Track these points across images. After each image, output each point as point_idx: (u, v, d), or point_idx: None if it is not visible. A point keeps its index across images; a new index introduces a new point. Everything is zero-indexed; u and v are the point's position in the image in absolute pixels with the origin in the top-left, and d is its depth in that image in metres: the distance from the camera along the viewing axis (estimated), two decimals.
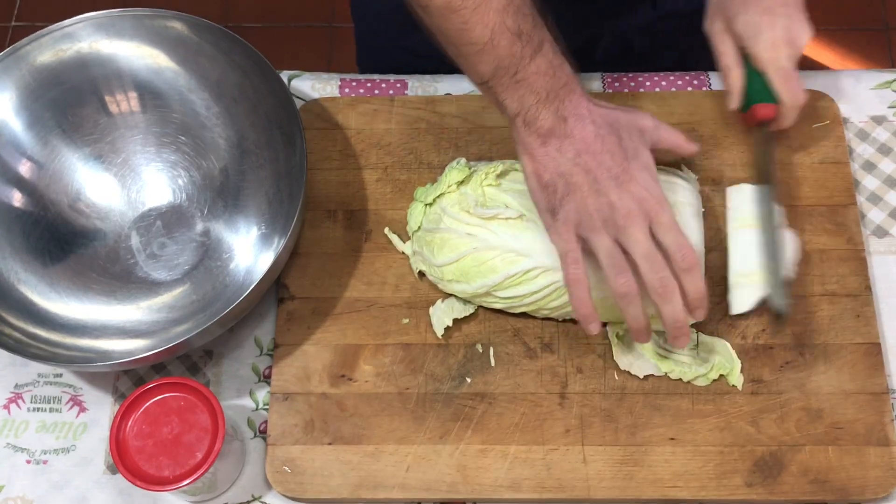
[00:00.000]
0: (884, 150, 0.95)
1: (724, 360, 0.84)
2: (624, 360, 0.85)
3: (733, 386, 0.84)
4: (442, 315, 0.87)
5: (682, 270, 0.76)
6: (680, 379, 0.84)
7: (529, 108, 0.76)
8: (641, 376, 0.85)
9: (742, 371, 0.84)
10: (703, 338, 0.85)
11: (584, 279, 0.77)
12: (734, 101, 0.89)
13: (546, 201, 0.78)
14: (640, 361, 0.85)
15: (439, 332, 0.86)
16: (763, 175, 0.88)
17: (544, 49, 0.75)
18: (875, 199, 0.93)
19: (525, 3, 0.75)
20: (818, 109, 0.95)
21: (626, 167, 0.76)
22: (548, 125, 0.76)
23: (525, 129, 0.77)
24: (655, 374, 0.85)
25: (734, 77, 0.88)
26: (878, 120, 0.96)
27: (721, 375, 0.84)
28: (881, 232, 0.92)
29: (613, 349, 0.85)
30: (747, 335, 0.86)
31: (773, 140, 0.89)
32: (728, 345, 0.85)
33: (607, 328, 0.86)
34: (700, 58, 0.94)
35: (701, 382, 0.84)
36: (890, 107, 0.97)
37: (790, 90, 0.86)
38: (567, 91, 0.76)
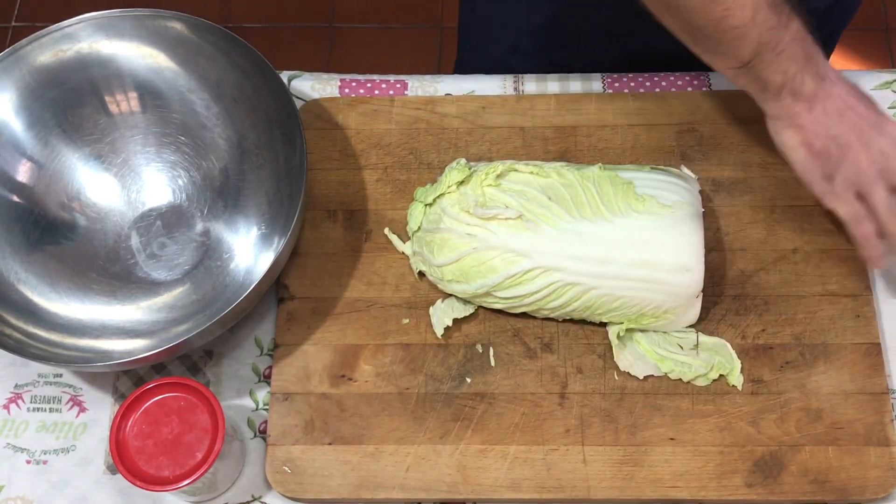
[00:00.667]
0: None
1: (724, 361, 0.84)
2: (624, 360, 0.85)
3: (733, 386, 0.84)
4: (442, 315, 0.87)
5: None
6: (680, 379, 0.84)
7: (794, 77, 0.78)
8: (641, 377, 0.85)
9: (742, 371, 0.84)
10: (703, 338, 0.85)
11: (876, 236, 0.80)
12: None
13: (821, 168, 0.80)
14: (640, 362, 0.85)
15: (439, 331, 0.86)
16: None
17: (791, 16, 0.77)
18: None
19: None
20: None
21: (878, 116, 0.79)
22: (810, 89, 0.78)
23: (792, 99, 0.79)
24: (655, 375, 0.85)
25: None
26: None
27: (721, 375, 0.84)
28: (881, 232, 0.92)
29: (613, 350, 0.85)
30: (747, 335, 0.86)
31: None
32: (728, 345, 0.85)
33: (608, 328, 0.86)
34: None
35: (701, 382, 0.84)
36: (890, 107, 0.97)
37: None
38: (816, 52, 0.79)
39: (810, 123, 0.79)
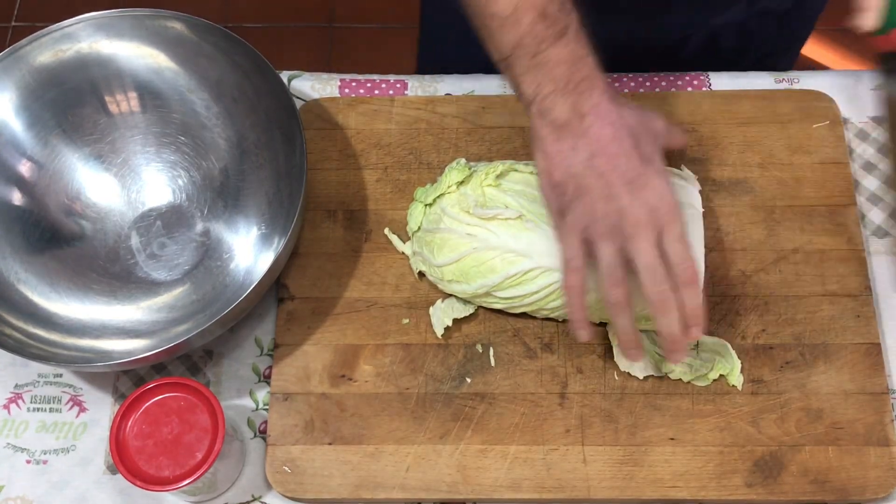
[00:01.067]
0: (884, 150, 0.95)
1: (724, 361, 0.84)
2: (624, 360, 0.85)
3: (733, 386, 0.84)
4: (442, 315, 0.87)
5: (682, 284, 0.74)
6: (680, 379, 0.84)
7: (546, 96, 0.74)
8: (641, 377, 0.85)
9: (742, 371, 0.84)
10: (703, 338, 0.85)
11: (581, 288, 0.76)
12: (869, 19, 0.78)
13: (556, 201, 0.76)
14: (640, 362, 0.85)
15: (439, 331, 0.86)
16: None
17: (568, 35, 0.73)
18: (875, 199, 0.93)
19: None
20: (818, 110, 0.95)
21: (641, 172, 0.73)
22: (563, 118, 0.74)
23: (539, 118, 0.75)
24: (655, 375, 0.85)
25: (869, 2, 0.78)
26: (879, 120, 0.96)
27: (721, 376, 0.84)
28: (881, 232, 0.92)
29: (614, 350, 0.85)
30: (747, 335, 0.86)
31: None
32: (728, 345, 0.85)
33: (608, 328, 0.86)
34: (783, 59, 0.91)
35: (701, 383, 0.84)
36: None
37: None
38: (588, 85, 0.74)
39: (555, 154, 0.74)
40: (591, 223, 0.74)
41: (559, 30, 0.73)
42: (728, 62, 1.02)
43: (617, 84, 0.99)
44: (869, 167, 0.95)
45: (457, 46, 0.98)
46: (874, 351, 0.85)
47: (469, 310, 0.87)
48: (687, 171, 0.89)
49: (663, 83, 0.98)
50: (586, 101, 0.73)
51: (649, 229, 0.73)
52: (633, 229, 0.72)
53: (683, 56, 1.06)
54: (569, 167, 0.74)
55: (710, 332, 0.86)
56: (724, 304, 0.87)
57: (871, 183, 0.94)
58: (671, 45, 1.04)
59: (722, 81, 0.99)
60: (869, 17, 0.76)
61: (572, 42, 0.73)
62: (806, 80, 0.98)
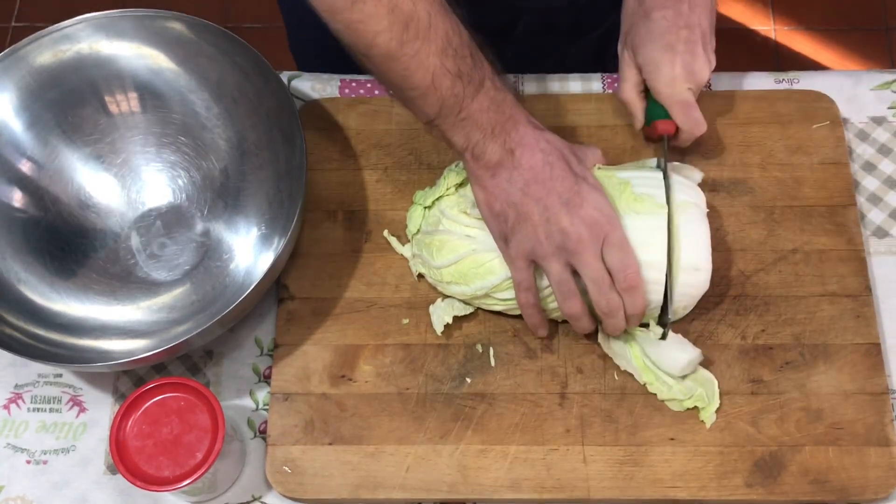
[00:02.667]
0: (884, 150, 0.95)
1: (706, 395, 0.83)
2: (605, 343, 0.85)
3: (702, 421, 0.83)
4: (442, 313, 0.87)
5: (623, 290, 0.79)
6: (655, 395, 0.84)
7: (476, 144, 0.78)
8: (622, 368, 0.84)
9: (718, 411, 0.83)
10: (699, 369, 0.84)
11: (536, 304, 0.82)
12: (637, 124, 0.91)
13: (498, 230, 0.80)
14: (623, 360, 0.85)
15: (439, 329, 0.86)
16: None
17: (486, 86, 0.77)
18: (875, 199, 0.93)
19: (463, 44, 0.76)
20: (818, 110, 0.95)
21: (576, 190, 0.78)
22: (496, 158, 0.78)
23: (474, 162, 0.79)
24: (635, 378, 0.84)
25: (635, 107, 0.90)
26: (878, 121, 0.96)
27: (695, 407, 0.84)
28: (881, 233, 0.92)
29: (599, 334, 0.85)
30: (747, 335, 0.86)
31: (668, 151, 0.89)
32: (716, 383, 0.84)
33: (598, 333, 0.86)
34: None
35: (674, 407, 0.84)
36: (890, 107, 0.97)
37: (689, 121, 0.87)
38: (512, 124, 0.78)
39: (493, 187, 0.79)
40: (535, 246, 0.79)
41: (476, 84, 0.77)
42: (565, 38, 1.03)
43: (616, 84, 0.99)
44: (869, 167, 0.95)
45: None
46: (874, 351, 0.85)
47: (469, 308, 0.87)
48: (692, 170, 0.89)
49: None
50: (513, 137, 0.78)
51: (591, 243, 0.78)
52: (577, 246, 0.78)
53: (516, 35, 1.08)
54: (508, 197, 0.79)
55: (709, 333, 0.86)
56: (723, 305, 0.87)
57: (871, 183, 0.94)
58: (503, 24, 1.07)
59: (722, 81, 0.99)
60: (637, 119, 0.91)
61: (491, 90, 0.78)
62: (806, 81, 0.98)
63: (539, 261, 0.79)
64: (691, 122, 0.87)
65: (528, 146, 0.78)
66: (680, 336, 0.84)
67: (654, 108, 0.89)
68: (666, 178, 0.83)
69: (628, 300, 0.79)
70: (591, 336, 0.86)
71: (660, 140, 0.90)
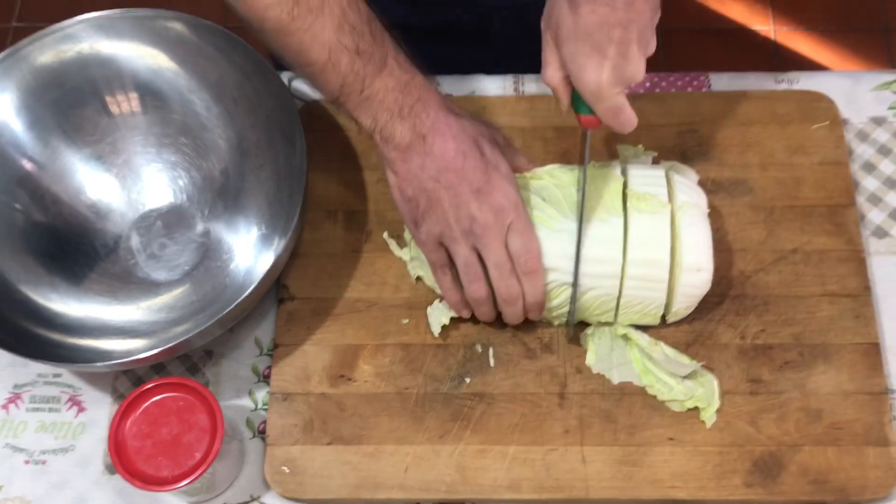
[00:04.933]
0: (884, 151, 0.95)
1: (706, 395, 0.83)
2: (598, 364, 0.85)
3: (701, 422, 0.83)
4: (439, 315, 0.87)
5: (523, 273, 0.80)
6: (655, 396, 0.84)
7: (384, 125, 0.78)
8: (615, 382, 0.84)
9: (718, 411, 0.83)
10: (699, 370, 0.84)
11: (453, 284, 0.83)
12: (564, 106, 0.81)
13: (410, 214, 0.81)
14: (625, 367, 0.85)
15: (436, 331, 0.86)
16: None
17: (389, 65, 0.77)
18: (875, 199, 0.93)
19: (362, 21, 0.76)
20: (818, 110, 0.95)
21: (487, 179, 0.79)
22: (406, 140, 0.78)
23: (384, 144, 0.79)
24: (634, 384, 0.84)
25: (560, 93, 0.80)
26: (878, 121, 0.96)
27: (696, 407, 0.84)
28: (881, 233, 0.92)
29: (588, 355, 0.85)
30: (747, 335, 0.86)
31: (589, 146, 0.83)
32: (716, 383, 0.84)
33: (583, 335, 0.86)
34: None
35: (674, 408, 0.84)
36: (890, 108, 0.97)
37: (618, 124, 0.79)
38: (422, 106, 0.78)
39: (405, 173, 0.79)
40: (444, 230, 0.80)
41: (378, 62, 0.77)
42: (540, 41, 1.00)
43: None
44: (869, 167, 0.95)
45: None
46: (873, 351, 0.85)
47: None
48: (687, 171, 0.89)
49: (663, 83, 0.99)
50: (424, 121, 0.78)
51: (497, 229, 0.79)
52: (483, 230, 0.78)
53: (491, 37, 1.07)
54: (420, 183, 0.79)
55: (709, 333, 0.86)
56: (723, 305, 0.87)
57: (870, 183, 0.94)
58: (477, 26, 1.06)
59: (722, 82, 0.99)
60: (563, 103, 0.81)
61: (395, 70, 0.77)
62: (806, 81, 0.98)
63: (447, 244, 0.80)
64: (620, 125, 0.79)
65: (441, 132, 0.78)
66: (675, 352, 0.84)
67: (579, 100, 0.79)
68: (584, 172, 0.81)
69: (528, 285, 0.80)
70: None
71: (582, 131, 0.82)
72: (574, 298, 0.82)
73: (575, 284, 0.82)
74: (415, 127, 0.78)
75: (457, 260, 0.81)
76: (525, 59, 0.96)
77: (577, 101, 0.80)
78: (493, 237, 0.79)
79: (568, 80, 0.79)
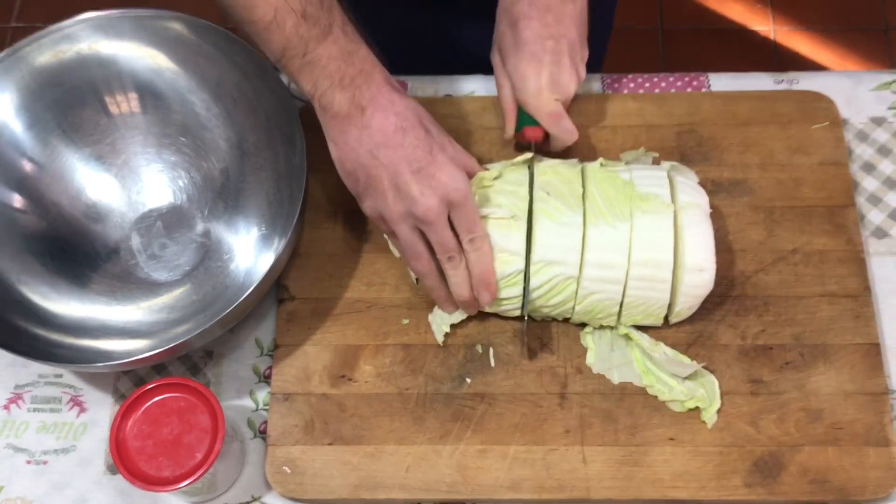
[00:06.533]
0: (883, 151, 0.95)
1: (707, 395, 0.83)
2: (598, 364, 0.85)
3: (702, 422, 0.83)
4: (440, 321, 0.87)
5: (469, 252, 0.79)
6: (655, 396, 0.84)
7: (324, 92, 0.77)
8: (616, 382, 0.84)
9: (719, 411, 0.83)
10: (700, 371, 0.84)
11: (424, 253, 0.80)
12: (508, 132, 0.91)
13: (352, 188, 0.81)
14: (626, 368, 0.85)
15: (439, 338, 0.86)
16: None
17: (334, 33, 0.76)
18: (874, 200, 0.93)
19: None
20: (818, 110, 0.95)
21: (429, 160, 0.77)
22: (344, 110, 0.77)
23: (322, 112, 0.78)
24: (634, 384, 0.84)
25: (508, 109, 0.90)
26: (878, 121, 0.97)
27: (697, 408, 0.84)
28: (880, 233, 0.92)
29: (588, 354, 0.85)
30: (747, 335, 0.86)
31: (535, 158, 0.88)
32: (717, 383, 0.84)
33: (582, 333, 0.87)
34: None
35: (675, 408, 0.84)
36: (890, 108, 0.97)
37: (559, 130, 0.88)
38: (364, 79, 0.77)
39: (343, 144, 0.78)
40: (384, 210, 0.79)
41: (323, 28, 0.76)
42: None
43: (617, 84, 0.99)
44: (868, 168, 0.95)
45: None
46: (874, 351, 0.85)
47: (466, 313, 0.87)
48: (687, 172, 0.89)
49: (663, 84, 0.99)
50: (364, 93, 0.77)
51: (440, 213, 0.77)
52: (425, 215, 0.77)
53: (463, 5, 1.07)
54: (357, 157, 0.78)
55: (709, 333, 0.86)
56: (724, 305, 0.87)
57: (870, 183, 0.94)
58: None
59: (722, 82, 0.99)
60: (509, 127, 0.91)
61: (340, 38, 0.77)
62: (806, 81, 0.98)
63: (389, 224, 0.79)
64: (562, 132, 0.88)
65: (382, 107, 0.77)
66: (676, 352, 0.84)
67: (524, 114, 0.89)
68: (532, 187, 0.83)
69: (473, 260, 0.79)
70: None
71: (528, 146, 0.90)
72: (527, 291, 0.82)
73: (527, 277, 0.82)
74: (354, 98, 0.76)
75: (399, 238, 0.80)
76: None
77: (521, 117, 0.89)
78: (437, 222, 0.77)
79: (515, 103, 0.88)
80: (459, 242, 0.79)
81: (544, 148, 0.91)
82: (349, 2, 0.81)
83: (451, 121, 0.96)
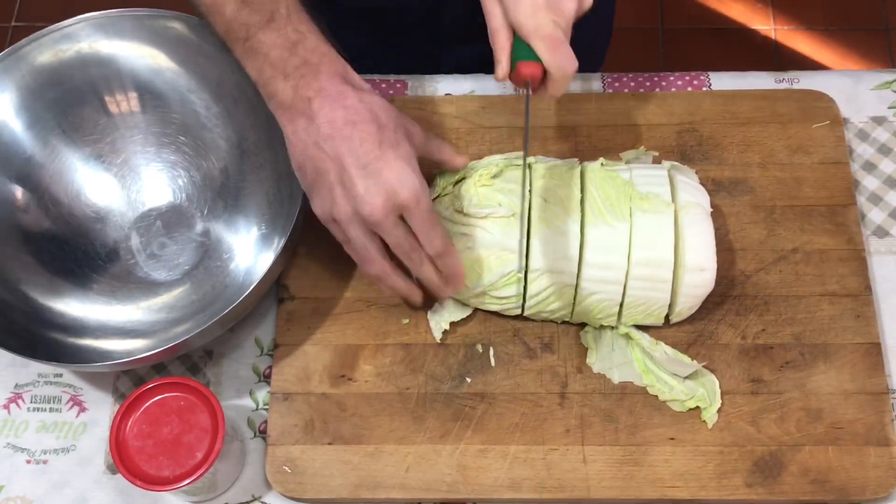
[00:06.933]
0: (884, 150, 0.95)
1: (707, 395, 0.83)
2: (598, 363, 0.85)
3: (704, 421, 0.83)
4: (439, 319, 0.87)
5: (435, 258, 0.77)
6: (656, 396, 0.84)
7: (267, 81, 0.75)
8: (616, 382, 0.84)
9: (719, 411, 0.83)
10: (700, 371, 0.84)
11: (376, 257, 0.77)
12: (501, 69, 0.78)
13: (303, 184, 0.78)
14: (626, 367, 0.85)
15: (437, 335, 0.86)
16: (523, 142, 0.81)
17: (277, 21, 0.74)
18: (875, 199, 0.93)
19: None
20: (818, 110, 0.95)
21: (377, 155, 0.73)
22: (288, 101, 0.74)
23: (268, 101, 0.76)
24: (635, 384, 0.84)
25: (501, 39, 0.77)
26: (879, 120, 0.96)
27: (697, 407, 0.84)
28: (881, 232, 0.92)
29: (588, 353, 0.85)
30: (747, 335, 0.86)
31: (530, 102, 0.80)
32: (717, 383, 0.84)
33: (581, 333, 0.87)
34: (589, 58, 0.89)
35: (676, 408, 0.84)
36: (890, 107, 0.97)
37: (556, 59, 0.75)
38: (309, 70, 0.74)
39: (292, 135, 0.75)
40: (333, 208, 0.75)
41: (266, 16, 0.74)
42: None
43: (617, 84, 0.99)
44: (869, 167, 0.95)
45: None
46: (874, 351, 0.85)
47: (466, 311, 0.87)
48: (688, 171, 0.89)
49: (663, 83, 0.98)
50: (310, 83, 0.74)
51: (388, 213, 0.73)
52: (371, 214, 0.73)
53: (443, 22, 1.05)
54: (304, 149, 0.75)
55: (709, 333, 0.86)
56: (724, 305, 0.87)
57: (871, 183, 0.94)
58: (430, 10, 1.04)
59: (722, 81, 0.99)
60: (502, 67, 0.77)
61: (283, 26, 0.74)
62: (806, 80, 0.98)
63: (341, 226, 0.76)
64: (559, 59, 0.75)
65: (330, 98, 0.73)
66: (676, 352, 0.84)
67: (520, 47, 0.77)
68: (526, 138, 0.79)
69: (441, 265, 0.78)
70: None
71: (525, 88, 0.79)
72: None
73: (526, 272, 0.81)
74: (297, 88, 0.74)
75: (350, 240, 0.77)
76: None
77: (517, 51, 0.77)
78: (385, 222, 0.74)
79: (510, 38, 0.77)
80: (417, 239, 0.76)
81: (541, 93, 0.79)
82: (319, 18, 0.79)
83: (451, 120, 0.96)
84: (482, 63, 0.88)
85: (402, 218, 0.76)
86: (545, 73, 0.76)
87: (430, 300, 0.88)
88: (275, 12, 0.74)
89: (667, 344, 0.85)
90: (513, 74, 0.78)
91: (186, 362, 0.89)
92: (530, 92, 0.78)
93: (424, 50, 1.06)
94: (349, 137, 0.73)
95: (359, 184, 0.73)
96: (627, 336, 0.85)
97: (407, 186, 0.73)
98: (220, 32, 0.76)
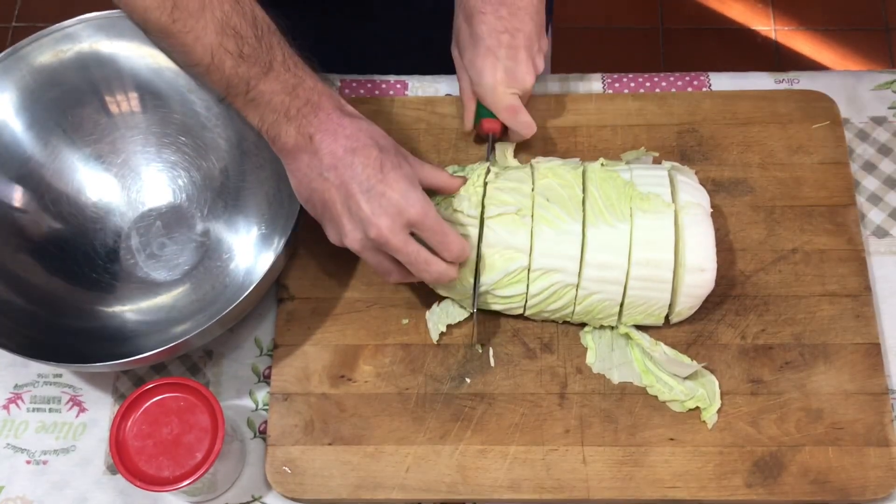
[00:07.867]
0: (884, 150, 0.95)
1: (707, 395, 0.83)
2: (598, 364, 0.85)
3: (703, 422, 0.83)
4: (437, 320, 0.87)
5: (455, 261, 0.79)
6: (655, 396, 0.84)
7: (271, 125, 0.77)
8: (616, 382, 0.84)
9: (719, 411, 0.83)
10: (700, 371, 0.84)
11: (393, 269, 0.80)
12: (466, 125, 0.91)
13: (313, 214, 0.81)
14: (626, 367, 0.85)
15: (434, 336, 0.86)
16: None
17: (275, 69, 0.76)
18: (875, 199, 0.93)
19: (245, 24, 0.75)
20: (818, 110, 0.95)
21: (380, 179, 0.76)
22: (291, 142, 0.77)
23: (272, 144, 0.78)
24: (634, 384, 0.84)
25: (466, 100, 0.90)
26: (879, 121, 0.96)
27: (697, 408, 0.84)
28: (881, 232, 0.92)
29: (588, 353, 0.85)
30: (747, 335, 0.86)
31: (493, 150, 0.91)
32: (717, 383, 0.84)
33: (582, 333, 0.86)
34: None
35: (675, 408, 0.84)
36: (890, 108, 0.97)
37: (516, 124, 0.88)
38: (311, 108, 0.77)
39: (296, 171, 0.78)
40: (343, 236, 0.78)
41: (263, 66, 0.76)
42: (429, 24, 1.01)
43: (617, 84, 0.99)
44: (869, 167, 0.95)
45: None
46: (874, 351, 0.85)
47: (464, 314, 0.87)
48: (688, 172, 0.89)
49: (663, 83, 0.99)
50: (311, 122, 0.77)
51: (396, 231, 0.76)
52: (378, 235, 0.76)
53: (375, 14, 1.06)
54: (310, 182, 0.78)
55: (708, 333, 0.86)
56: (723, 305, 0.87)
57: (871, 183, 0.94)
58: (357, 4, 1.05)
59: (722, 82, 0.99)
60: (466, 122, 0.91)
61: (282, 73, 0.76)
62: (806, 81, 0.98)
63: (353, 251, 0.79)
64: (518, 126, 0.88)
65: (331, 132, 0.77)
66: (676, 352, 0.84)
67: (482, 106, 0.89)
68: (487, 173, 0.84)
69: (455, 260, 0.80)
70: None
71: (486, 139, 0.91)
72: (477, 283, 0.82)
73: (477, 269, 0.82)
74: (300, 128, 0.76)
75: (367, 262, 0.80)
76: (415, 54, 0.99)
77: (480, 109, 0.90)
78: (394, 240, 0.76)
79: (474, 94, 0.88)
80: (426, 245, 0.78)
81: (503, 139, 0.92)
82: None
83: (450, 120, 0.96)
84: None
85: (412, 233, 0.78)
86: (504, 126, 0.89)
87: (429, 301, 0.88)
88: (272, 61, 0.76)
89: (667, 344, 0.85)
90: (477, 127, 0.91)
91: (186, 362, 0.89)
92: (492, 140, 0.91)
93: (398, 37, 1.07)
94: (351, 164, 0.76)
95: (364, 207, 0.76)
96: (627, 336, 0.85)
97: (413, 204, 0.76)
98: (220, 89, 0.77)
